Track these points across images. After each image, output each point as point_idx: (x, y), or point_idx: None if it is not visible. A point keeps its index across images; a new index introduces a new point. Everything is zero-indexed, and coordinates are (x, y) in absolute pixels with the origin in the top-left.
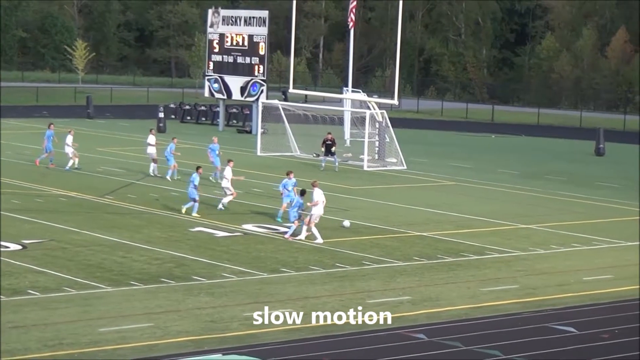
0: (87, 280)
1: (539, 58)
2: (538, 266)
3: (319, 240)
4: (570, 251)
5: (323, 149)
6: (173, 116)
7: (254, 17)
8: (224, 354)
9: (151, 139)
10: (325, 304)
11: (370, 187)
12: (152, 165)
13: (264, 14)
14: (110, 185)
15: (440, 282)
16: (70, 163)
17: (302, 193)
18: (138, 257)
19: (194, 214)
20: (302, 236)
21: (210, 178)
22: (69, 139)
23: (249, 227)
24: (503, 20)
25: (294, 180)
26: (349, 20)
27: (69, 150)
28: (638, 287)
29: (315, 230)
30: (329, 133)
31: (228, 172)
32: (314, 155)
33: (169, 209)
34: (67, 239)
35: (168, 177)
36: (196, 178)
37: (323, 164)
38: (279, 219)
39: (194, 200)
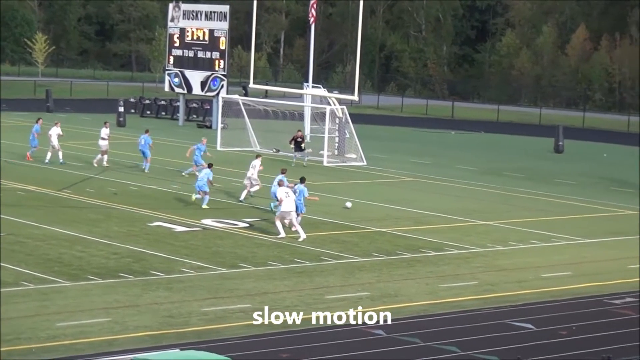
0: (45, 274)
1: (499, 55)
2: (497, 263)
3: (282, 235)
4: (529, 248)
5: (292, 146)
6: (133, 110)
7: (215, 12)
8: (181, 349)
9: (104, 131)
10: (284, 300)
11: (330, 183)
12: (98, 156)
13: (225, 8)
14: (69, 179)
15: (399, 278)
16: (48, 156)
17: (302, 181)
18: (96, 252)
19: (204, 206)
20: (302, 236)
21: (183, 173)
22: (55, 130)
23: (208, 222)
24: (464, 17)
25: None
26: (310, 15)
27: (54, 141)
28: (596, 284)
29: (279, 224)
30: (299, 130)
31: (257, 163)
32: (274, 150)
33: (127, 203)
34: (25, 233)
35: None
36: (210, 173)
37: (294, 160)
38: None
39: (205, 193)
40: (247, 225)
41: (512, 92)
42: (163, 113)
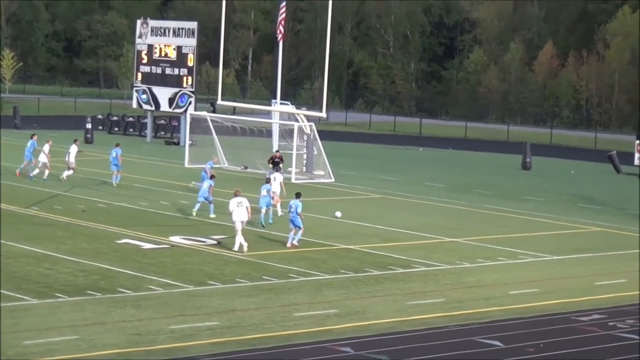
0: (12, 292)
1: (467, 72)
2: (465, 280)
3: (235, 247)
4: (496, 265)
5: (271, 165)
6: (101, 127)
7: (182, 29)
8: None
9: (73, 148)
10: (251, 317)
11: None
12: (66, 172)
13: (193, 25)
14: (37, 196)
15: (367, 295)
16: (35, 172)
17: (298, 196)
18: (64, 269)
19: (212, 215)
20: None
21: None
22: (46, 148)
23: (176, 239)
24: (432, 34)
25: (269, 186)
26: (278, 32)
27: (42, 158)
28: (563, 301)
29: (238, 237)
30: (277, 151)
31: (279, 177)
32: (242, 167)
33: (95, 221)
34: None
35: (114, 183)
36: (212, 182)
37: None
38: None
39: (210, 202)
40: (214, 242)
41: (480, 109)
42: (131, 130)
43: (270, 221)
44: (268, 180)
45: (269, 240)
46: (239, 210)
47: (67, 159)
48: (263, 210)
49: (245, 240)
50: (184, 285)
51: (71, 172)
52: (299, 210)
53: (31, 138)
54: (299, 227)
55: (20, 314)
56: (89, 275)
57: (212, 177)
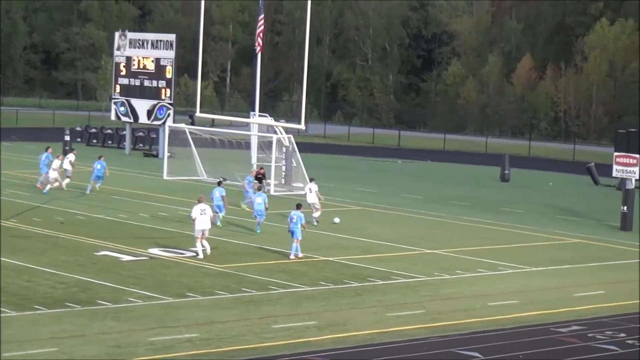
0: None
1: (445, 84)
2: (444, 291)
3: (200, 256)
4: (475, 276)
5: (255, 181)
6: (79, 139)
7: (161, 41)
8: None
9: (71, 157)
10: (231, 329)
11: (277, 212)
12: (67, 181)
13: (171, 37)
14: (16, 208)
15: (346, 307)
16: (47, 187)
17: (299, 207)
18: (43, 281)
19: (218, 224)
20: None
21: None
22: (66, 162)
23: (155, 251)
24: (410, 46)
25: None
26: (257, 44)
27: (53, 174)
28: (542, 312)
29: (199, 245)
30: (261, 168)
31: (314, 187)
32: (221, 179)
33: (74, 233)
34: None
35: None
36: (223, 190)
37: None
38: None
39: (220, 211)
40: (193, 254)
41: (458, 121)
42: (109, 142)
43: (258, 231)
44: (260, 189)
45: (249, 253)
46: (202, 218)
47: (65, 167)
48: (258, 219)
49: (211, 246)
50: (163, 297)
51: (68, 180)
52: (303, 221)
53: (46, 151)
54: (298, 238)
55: None
56: (68, 288)
57: (219, 183)
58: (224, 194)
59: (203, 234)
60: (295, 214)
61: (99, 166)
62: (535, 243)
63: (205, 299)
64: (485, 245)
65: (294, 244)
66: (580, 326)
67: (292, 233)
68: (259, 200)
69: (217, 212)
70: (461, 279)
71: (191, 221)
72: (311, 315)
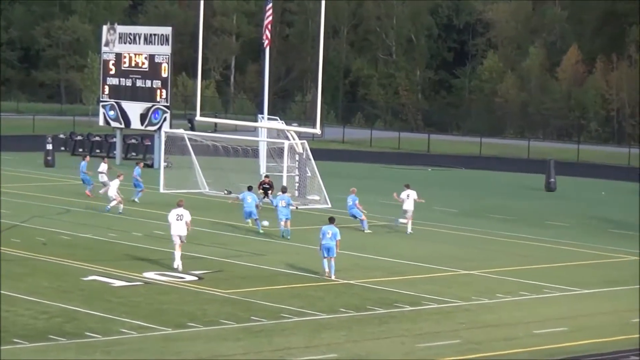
0: None
1: (481, 80)
2: (482, 318)
3: (174, 264)
4: (517, 300)
5: (261, 191)
6: (63, 148)
7: (155, 35)
8: None
9: (103, 166)
10: None
11: (289, 228)
12: (103, 190)
13: (167, 30)
14: None
15: (370, 337)
16: (112, 204)
17: (332, 221)
18: (23, 311)
19: (261, 230)
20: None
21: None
22: (103, 167)
23: (150, 275)
24: (439, 38)
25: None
26: (264, 37)
27: (112, 192)
28: (595, 340)
29: (176, 253)
30: (267, 177)
31: (413, 193)
32: (225, 192)
33: (58, 255)
34: None
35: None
36: (254, 196)
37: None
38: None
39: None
40: (195, 278)
41: (496, 122)
42: (97, 150)
43: (289, 236)
44: (284, 190)
45: (257, 276)
46: (178, 224)
47: (101, 179)
48: (282, 223)
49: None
50: (160, 327)
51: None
52: (339, 237)
53: (83, 159)
54: (332, 256)
55: None
56: (52, 318)
57: (249, 188)
58: (257, 200)
59: (180, 240)
60: (330, 229)
61: (134, 173)
62: (585, 261)
63: (209, 330)
64: (528, 264)
65: (329, 262)
66: (639, 357)
67: (328, 250)
68: (282, 204)
69: (251, 219)
70: (501, 303)
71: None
72: (330, 347)
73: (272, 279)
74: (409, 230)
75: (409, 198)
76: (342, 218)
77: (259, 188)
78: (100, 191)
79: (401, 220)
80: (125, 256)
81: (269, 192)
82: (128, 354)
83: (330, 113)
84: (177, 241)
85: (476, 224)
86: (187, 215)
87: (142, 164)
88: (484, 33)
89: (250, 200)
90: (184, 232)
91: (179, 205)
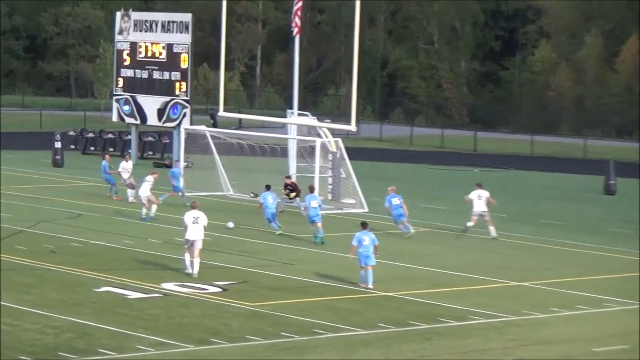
0: None
1: (532, 72)
2: (535, 334)
3: (188, 270)
4: (574, 315)
5: (284, 194)
6: (73, 146)
7: (174, 22)
8: None
9: (124, 165)
10: None
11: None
12: (130, 192)
13: (187, 17)
14: None
15: (412, 355)
16: (146, 210)
17: (365, 226)
18: (29, 325)
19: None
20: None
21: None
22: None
23: (169, 286)
24: (486, 25)
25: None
26: (294, 25)
27: (144, 193)
28: None
29: (188, 258)
30: (288, 177)
31: (485, 193)
32: (251, 195)
33: (68, 264)
34: None
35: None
36: (274, 195)
37: (282, 206)
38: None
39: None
40: (218, 289)
41: (549, 119)
42: (111, 149)
43: (323, 242)
44: (312, 189)
45: (287, 287)
46: (195, 227)
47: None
48: (312, 226)
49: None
50: (181, 344)
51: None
52: (377, 242)
53: (103, 159)
54: (372, 264)
55: None
56: (62, 333)
57: (268, 187)
58: (278, 200)
59: (193, 245)
60: (367, 235)
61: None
62: None
63: (234, 346)
64: (585, 275)
65: (368, 271)
66: None
67: (366, 258)
68: (314, 204)
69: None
70: (557, 318)
71: (183, 230)
72: None
73: (302, 290)
74: (493, 234)
75: (480, 199)
76: (380, 224)
77: (285, 190)
78: (130, 197)
79: (469, 223)
80: (142, 265)
81: (294, 194)
82: None
83: (366, 108)
84: (195, 245)
85: (527, 230)
86: (203, 218)
87: (177, 163)
88: (535, 20)
89: (272, 201)
90: (200, 236)
91: (193, 208)
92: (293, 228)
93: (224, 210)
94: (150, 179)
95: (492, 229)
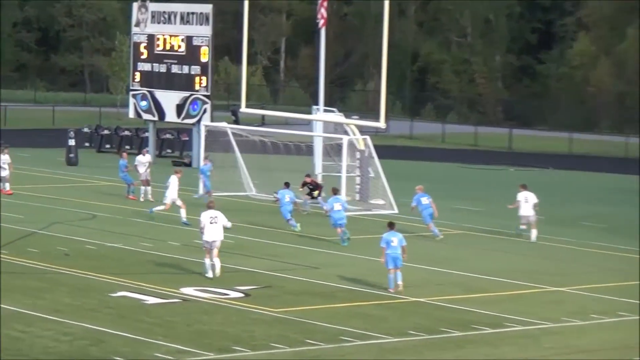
0: None
1: (570, 66)
2: (574, 342)
3: (209, 274)
4: (616, 322)
5: (302, 191)
6: (87, 144)
7: (193, 13)
8: None
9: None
10: None
11: (350, 238)
12: (144, 189)
13: (207, 8)
14: (5, 235)
15: None
16: (182, 213)
17: (392, 226)
18: (42, 332)
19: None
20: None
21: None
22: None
23: (188, 291)
24: (522, 17)
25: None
26: (320, 16)
27: (173, 195)
28: None
29: (208, 261)
30: (308, 175)
31: (532, 197)
32: (275, 196)
33: (82, 267)
34: None
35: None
36: (292, 193)
37: (306, 209)
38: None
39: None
40: (240, 294)
41: (588, 115)
42: (127, 147)
43: (346, 243)
44: (336, 192)
45: (313, 292)
46: (213, 227)
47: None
48: (339, 230)
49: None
50: (201, 352)
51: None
52: (404, 243)
53: (121, 157)
54: (399, 266)
55: None
56: (76, 340)
57: (287, 184)
58: (294, 199)
59: (212, 246)
60: (395, 236)
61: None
62: None
63: (258, 354)
64: (627, 280)
65: (394, 274)
66: None
67: (395, 261)
68: (337, 207)
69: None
70: (598, 325)
71: (200, 231)
72: None
73: (329, 295)
74: (533, 238)
75: (527, 201)
76: (410, 226)
77: (301, 187)
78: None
79: (522, 226)
80: (160, 269)
81: (315, 193)
82: None
83: (395, 104)
84: (214, 246)
85: (566, 233)
86: (222, 217)
87: (207, 160)
88: (574, 12)
89: (289, 199)
90: (219, 237)
91: (209, 207)
92: (318, 230)
93: (246, 211)
94: (175, 180)
95: (534, 232)
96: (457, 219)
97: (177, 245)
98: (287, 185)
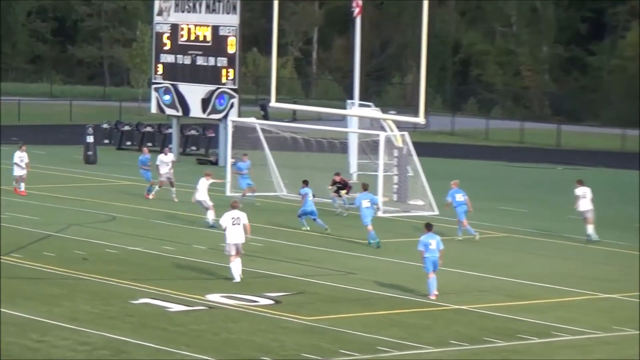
0: None
1: (623, 58)
2: (627, 352)
3: (236, 279)
4: None
5: (332, 190)
6: (107, 141)
7: (220, 1)
8: None
9: (166, 158)
10: None
11: (386, 241)
12: (156, 188)
13: None
14: (19, 238)
15: None
16: (209, 215)
17: (429, 227)
18: (59, 341)
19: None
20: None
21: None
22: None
23: (215, 297)
24: (571, 6)
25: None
26: (354, 4)
27: (202, 196)
28: None
29: (232, 266)
30: (337, 174)
31: (589, 192)
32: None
33: (102, 273)
34: None
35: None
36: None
37: (339, 210)
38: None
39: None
40: (270, 301)
41: None
42: (149, 144)
43: (379, 245)
44: (365, 187)
45: (347, 299)
46: (235, 229)
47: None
48: (370, 227)
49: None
50: None
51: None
52: (442, 246)
53: (143, 153)
54: (435, 270)
55: None
56: (95, 350)
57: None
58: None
59: (237, 249)
60: (433, 239)
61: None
62: None
63: None
64: None
65: (431, 279)
66: None
67: (434, 265)
68: (366, 204)
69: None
70: None
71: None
72: None
73: (364, 302)
74: (590, 231)
75: (586, 197)
76: (452, 228)
77: (330, 186)
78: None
79: (589, 230)
80: (185, 274)
81: (343, 192)
82: None
83: (436, 98)
84: (233, 251)
85: (618, 236)
86: (244, 217)
87: (245, 157)
88: (627, 0)
89: (311, 197)
90: (242, 240)
91: (233, 207)
92: (353, 233)
93: (276, 213)
94: (204, 183)
95: (590, 227)
96: (500, 220)
97: (202, 248)
98: (305, 183)
